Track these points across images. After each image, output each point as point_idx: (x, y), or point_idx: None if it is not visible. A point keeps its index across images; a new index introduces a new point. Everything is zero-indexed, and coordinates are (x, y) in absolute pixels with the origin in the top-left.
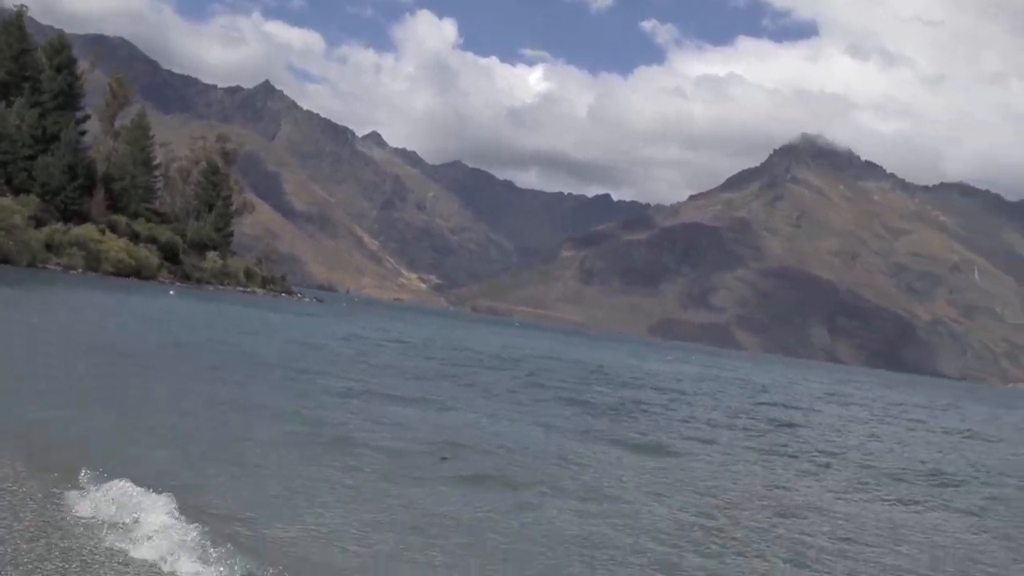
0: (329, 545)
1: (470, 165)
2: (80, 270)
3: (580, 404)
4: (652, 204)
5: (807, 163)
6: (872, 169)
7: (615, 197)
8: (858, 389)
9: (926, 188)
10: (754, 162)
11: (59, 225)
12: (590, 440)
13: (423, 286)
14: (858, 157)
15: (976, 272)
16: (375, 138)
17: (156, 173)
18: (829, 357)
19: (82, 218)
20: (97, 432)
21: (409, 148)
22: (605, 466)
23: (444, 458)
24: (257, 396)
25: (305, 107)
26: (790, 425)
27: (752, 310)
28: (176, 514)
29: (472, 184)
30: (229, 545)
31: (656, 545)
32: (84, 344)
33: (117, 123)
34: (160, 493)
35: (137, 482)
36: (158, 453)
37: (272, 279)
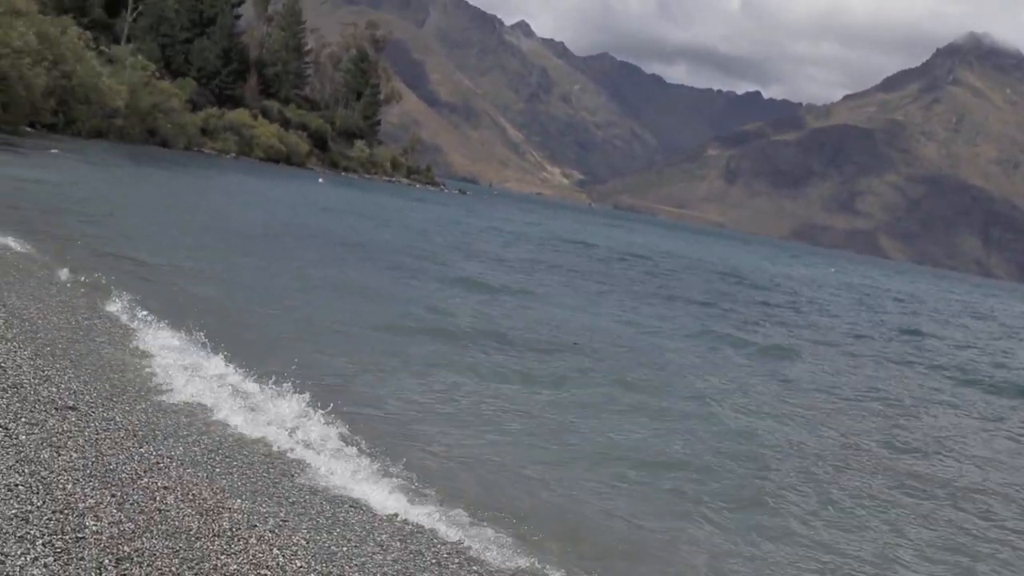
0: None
1: (618, 58)
2: (233, 154)
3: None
4: (804, 103)
5: (971, 63)
6: None
7: (765, 95)
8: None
9: None
10: (914, 62)
11: (214, 109)
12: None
13: (565, 181)
14: None
15: None
16: (523, 27)
17: (307, 59)
18: (981, 270)
19: (236, 103)
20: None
21: (557, 39)
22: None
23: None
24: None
25: None
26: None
27: (901, 218)
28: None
29: (619, 77)
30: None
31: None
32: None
33: (270, 8)
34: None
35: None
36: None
37: (417, 170)
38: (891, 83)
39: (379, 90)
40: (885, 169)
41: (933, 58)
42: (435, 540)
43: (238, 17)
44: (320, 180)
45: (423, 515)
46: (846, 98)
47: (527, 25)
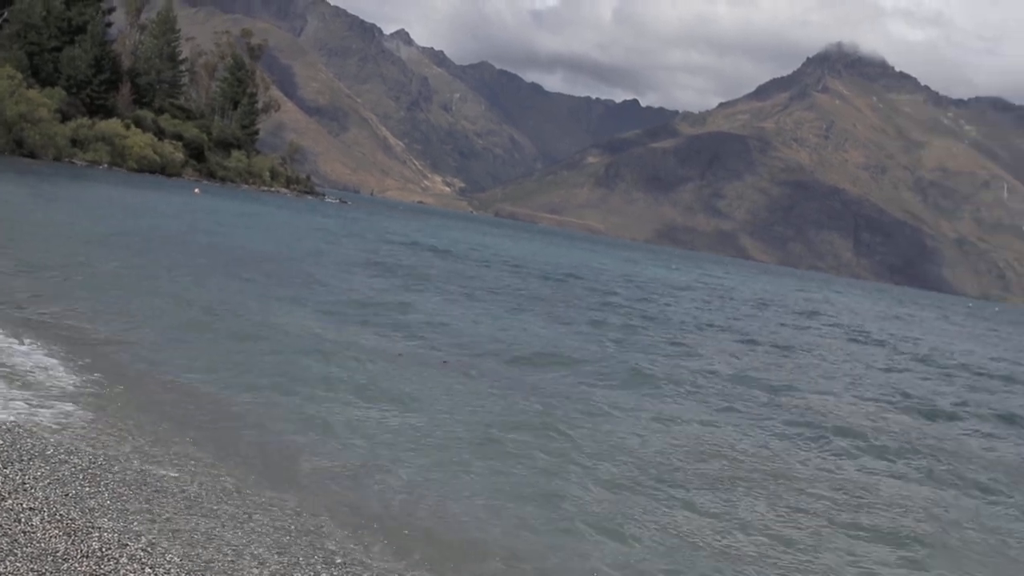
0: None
1: (497, 66)
2: (105, 165)
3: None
4: (680, 111)
5: (839, 72)
6: (905, 80)
7: (643, 103)
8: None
9: (960, 102)
10: (783, 70)
11: (85, 119)
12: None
13: (447, 190)
14: (892, 68)
15: (1006, 189)
16: (403, 36)
17: (182, 68)
18: (850, 272)
19: (108, 112)
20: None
21: (436, 47)
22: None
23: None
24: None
25: (332, 2)
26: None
27: (775, 222)
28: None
29: (498, 86)
30: None
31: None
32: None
33: (143, 16)
34: None
35: None
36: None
37: (297, 179)
38: (763, 91)
39: (256, 99)
40: (758, 174)
41: (803, 67)
42: (315, 549)
43: (109, 25)
44: (196, 191)
45: (304, 527)
46: (720, 106)
47: (406, 33)
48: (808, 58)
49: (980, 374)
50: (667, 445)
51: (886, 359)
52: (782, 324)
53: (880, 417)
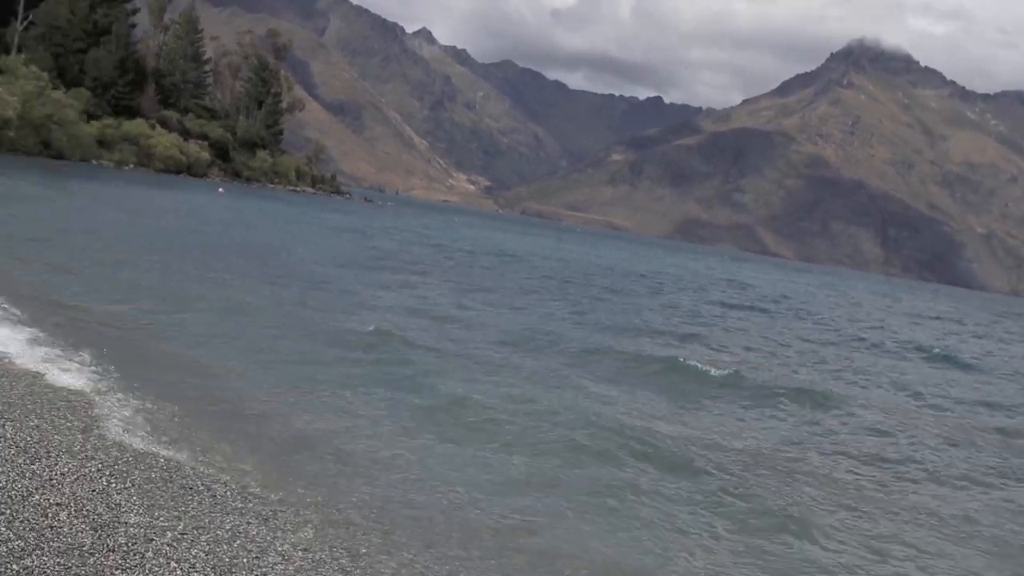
0: None
1: (520, 65)
2: (131, 166)
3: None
4: (704, 108)
5: (864, 67)
6: (930, 75)
7: (666, 100)
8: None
9: (986, 96)
10: (806, 66)
11: (110, 120)
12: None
13: (472, 188)
14: (917, 63)
15: None
16: (425, 35)
17: (206, 68)
18: (881, 269)
19: (133, 113)
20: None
21: (459, 46)
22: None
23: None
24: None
25: (355, 2)
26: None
27: (802, 218)
28: None
29: (522, 84)
30: None
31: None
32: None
33: (167, 17)
34: None
35: None
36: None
37: (322, 178)
38: (787, 87)
39: (281, 99)
40: (782, 170)
41: (827, 62)
42: (338, 553)
43: (133, 26)
44: (220, 190)
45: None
46: (744, 102)
47: (429, 32)
48: (832, 53)
49: None
50: None
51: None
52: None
53: None
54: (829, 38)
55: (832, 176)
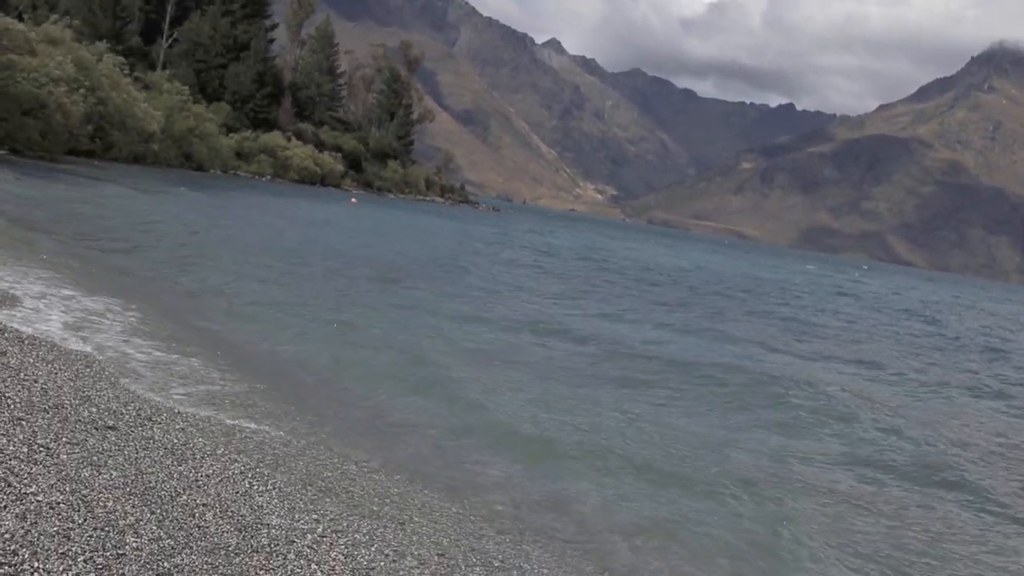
0: None
1: (649, 73)
2: (268, 177)
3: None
4: (837, 115)
5: (1006, 71)
6: None
7: (798, 107)
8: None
9: None
10: (945, 71)
11: (248, 132)
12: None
13: (599, 197)
14: None
15: None
16: (555, 45)
17: (340, 81)
18: (1019, 278)
19: (270, 126)
20: None
21: (588, 56)
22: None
23: None
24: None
25: (485, 14)
26: None
27: (938, 227)
28: None
29: (651, 92)
30: None
31: None
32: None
33: (303, 32)
34: None
35: None
36: None
37: (451, 188)
38: (924, 92)
39: (412, 110)
40: (919, 178)
41: (967, 66)
42: (479, 551)
43: (271, 42)
44: (352, 200)
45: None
46: (879, 108)
47: (558, 43)
48: (972, 57)
49: None
50: None
51: None
52: None
53: None
54: (967, 40)
55: (970, 183)
